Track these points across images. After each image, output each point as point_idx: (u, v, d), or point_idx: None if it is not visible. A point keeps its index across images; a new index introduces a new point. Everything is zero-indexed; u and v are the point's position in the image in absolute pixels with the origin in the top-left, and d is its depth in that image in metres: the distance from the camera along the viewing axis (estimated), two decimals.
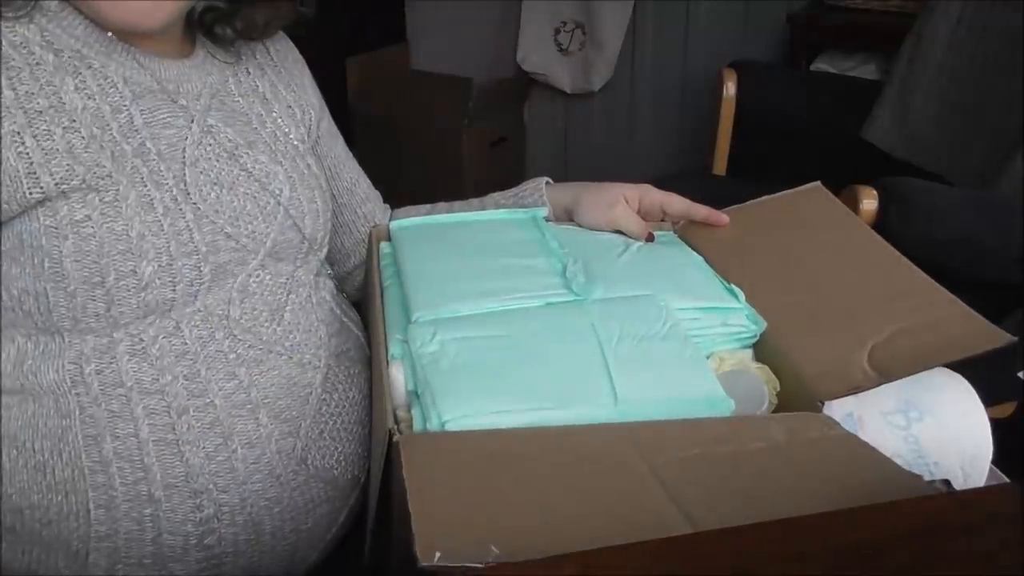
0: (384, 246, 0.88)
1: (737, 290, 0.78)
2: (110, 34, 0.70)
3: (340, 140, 0.94)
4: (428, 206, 0.98)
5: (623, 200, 0.89)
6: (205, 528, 0.70)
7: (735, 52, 2.28)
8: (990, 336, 0.65)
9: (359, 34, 2.59)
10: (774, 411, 0.70)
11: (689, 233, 0.91)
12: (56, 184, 0.65)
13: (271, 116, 0.82)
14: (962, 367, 0.70)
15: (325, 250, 0.84)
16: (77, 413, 0.68)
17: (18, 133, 0.64)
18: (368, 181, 0.98)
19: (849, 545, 0.48)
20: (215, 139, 0.74)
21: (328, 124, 0.92)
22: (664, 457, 0.58)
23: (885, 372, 0.65)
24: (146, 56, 0.72)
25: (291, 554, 0.76)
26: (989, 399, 0.67)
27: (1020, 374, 0.64)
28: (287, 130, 0.82)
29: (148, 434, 0.69)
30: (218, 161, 0.74)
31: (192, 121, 0.73)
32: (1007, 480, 0.68)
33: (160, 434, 0.69)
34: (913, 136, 1.58)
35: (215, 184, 0.72)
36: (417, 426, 0.63)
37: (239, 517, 0.71)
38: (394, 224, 0.89)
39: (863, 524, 0.50)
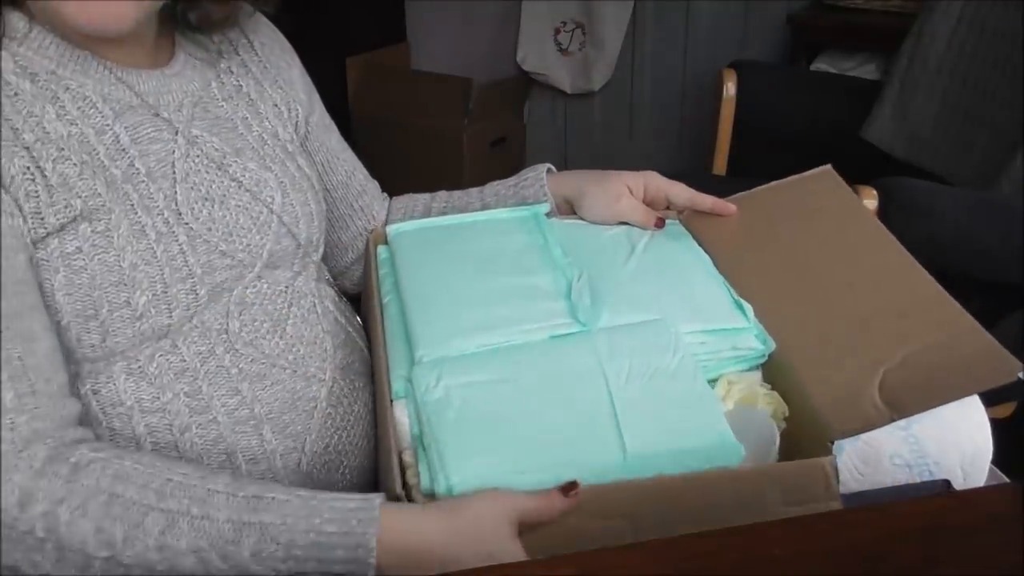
0: (382, 251, 0.87)
1: (746, 306, 0.76)
2: (89, 54, 0.68)
3: (335, 133, 0.92)
4: (428, 196, 0.98)
5: (627, 191, 0.88)
6: None
7: (735, 52, 2.28)
8: (1003, 367, 0.65)
9: (359, 34, 2.59)
10: (782, 437, 0.68)
11: (694, 223, 0.89)
12: (59, 220, 0.63)
13: (257, 118, 0.79)
14: None
15: (321, 251, 0.83)
16: None
17: (28, 168, 0.62)
18: (365, 172, 0.96)
19: (849, 545, 0.48)
20: (202, 150, 0.72)
21: (319, 117, 0.89)
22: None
23: (897, 407, 0.65)
24: (123, 69, 0.69)
25: None
26: (989, 399, 0.67)
27: (1020, 374, 0.64)
28: (275, 131, 0.80)
29: (150, 452, 0.68)
30: (207, 173, 0.72)
31: (177, 133, 0.71)
32: (1007, 480, 0.68)
33: (163, 451, 0.68)
34: (913, 136, 1.58)
35: (206, 200, 0.71)
36: (424, 483, 0.63)
37: None
38: (391, 228, 0.88)
39: (863, 524, 0.50)
